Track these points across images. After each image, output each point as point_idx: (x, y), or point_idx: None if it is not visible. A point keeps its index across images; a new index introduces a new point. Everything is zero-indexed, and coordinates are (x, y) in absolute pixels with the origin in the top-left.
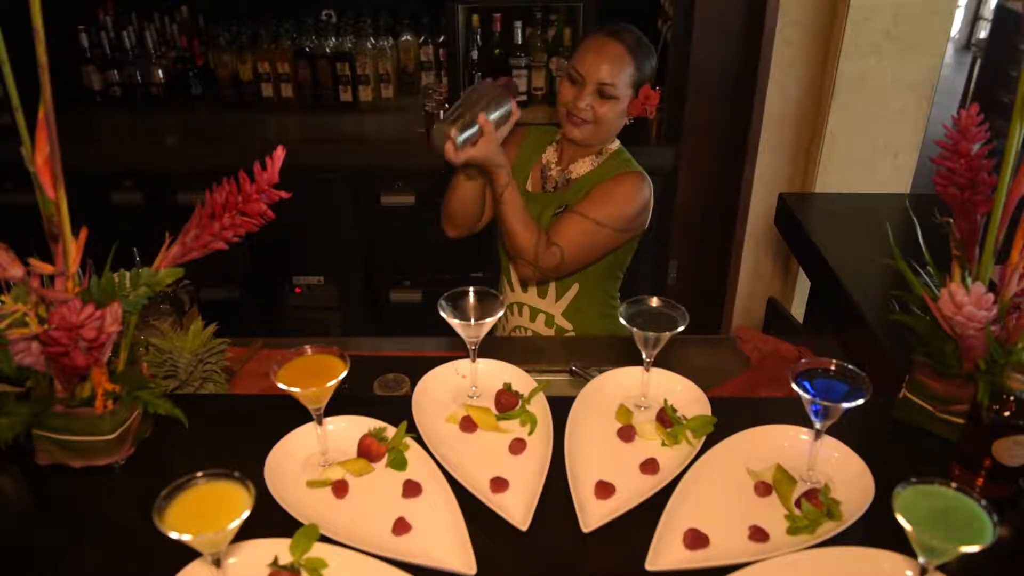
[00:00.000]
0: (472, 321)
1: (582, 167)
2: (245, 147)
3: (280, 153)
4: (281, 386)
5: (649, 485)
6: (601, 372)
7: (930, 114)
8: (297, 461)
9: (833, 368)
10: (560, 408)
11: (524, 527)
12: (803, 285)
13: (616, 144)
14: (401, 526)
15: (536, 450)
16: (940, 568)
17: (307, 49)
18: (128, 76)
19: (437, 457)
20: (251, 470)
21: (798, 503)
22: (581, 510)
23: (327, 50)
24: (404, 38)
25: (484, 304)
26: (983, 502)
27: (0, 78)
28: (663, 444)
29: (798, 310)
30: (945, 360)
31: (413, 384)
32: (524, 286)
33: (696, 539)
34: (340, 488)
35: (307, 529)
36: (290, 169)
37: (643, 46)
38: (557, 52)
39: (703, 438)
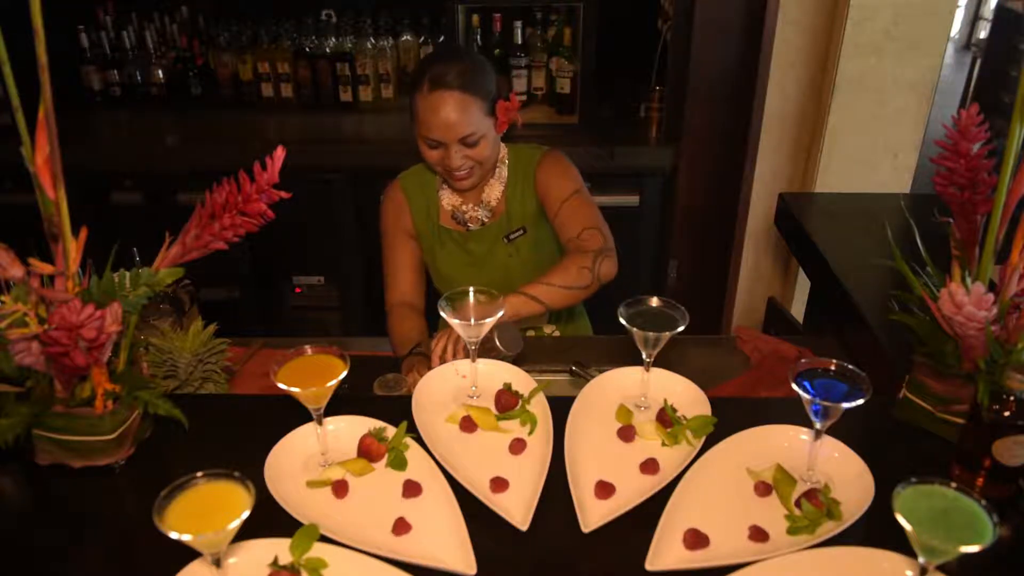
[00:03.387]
0: (472, 321)
1: (494, 191)
2: (245, 147)
3: (280, 153)
4: (281, 386)
5: (649, 485)
6: (601, 372)
7: (930, 114)
8: (297, 461)
9: (833, 368)
10: (560, 408)
11: (524, 527)
12: (803, 285)
13: (503, 150)
14: (401, 526)
15: (536, 450)
16: (940, 568)
17: (307, 49)
18: (128, 76)
19: (437, 457)
20: (251, 470)
21: (798, 503)
22: (581, 510)
23: (327, 50)
24: (404, 38)
25: (484, 304)
26: (983, 502)
27: (0, 78)
28: (663, 444)
29: (798, 310)
30: (945, 360)
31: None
32: None
33: (696, 539)
34: (340, 488)
35: (307, 529)
36: (290, 169)
37: (471, 71)
38: (557, 52)
39: (703, 438)
